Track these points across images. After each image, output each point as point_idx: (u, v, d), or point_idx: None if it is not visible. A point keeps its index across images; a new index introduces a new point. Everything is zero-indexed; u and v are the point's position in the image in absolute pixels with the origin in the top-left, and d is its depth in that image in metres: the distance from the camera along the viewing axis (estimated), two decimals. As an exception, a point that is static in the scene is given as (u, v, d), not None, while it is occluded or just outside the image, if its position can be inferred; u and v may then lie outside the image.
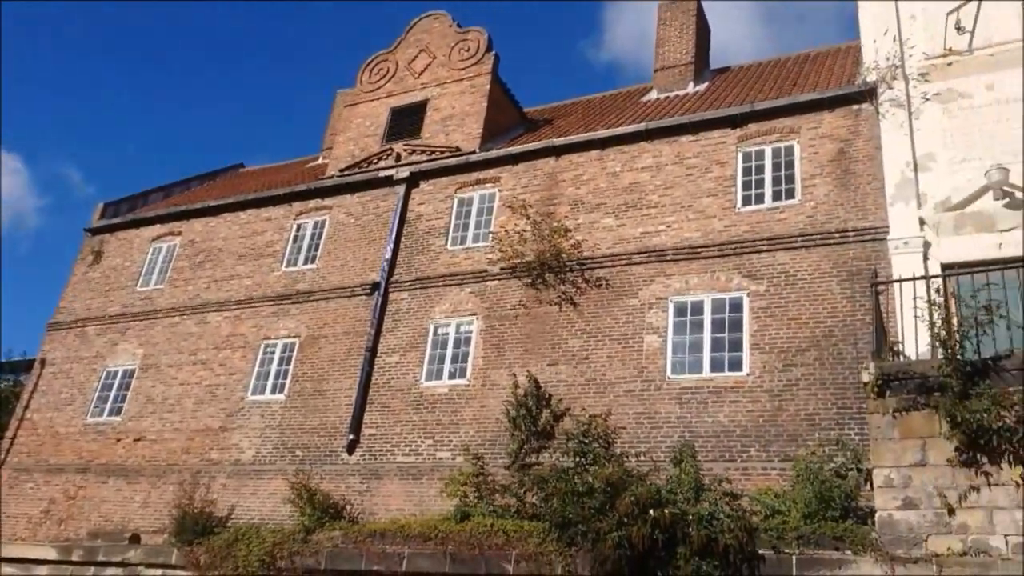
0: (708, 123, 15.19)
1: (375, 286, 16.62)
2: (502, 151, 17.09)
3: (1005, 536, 8.33)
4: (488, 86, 18.50)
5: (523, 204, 15.87)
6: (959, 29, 13.59)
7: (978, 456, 8.71)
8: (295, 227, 18.87)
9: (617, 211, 15.21)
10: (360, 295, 16.78)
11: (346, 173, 18.90)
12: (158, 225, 21.06)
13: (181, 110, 68.21)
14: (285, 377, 16.70)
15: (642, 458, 12.38)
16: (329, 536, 12.20)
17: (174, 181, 24.20)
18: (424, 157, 18.08)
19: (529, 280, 15.12)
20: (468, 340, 15.25)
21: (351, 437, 15.11)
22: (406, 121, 19.14)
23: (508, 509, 12.15)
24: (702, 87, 18.16)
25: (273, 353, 17.18)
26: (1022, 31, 13.05)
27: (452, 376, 15.06)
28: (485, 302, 15.46)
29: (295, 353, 16.89)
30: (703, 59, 19.66)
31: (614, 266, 14.62)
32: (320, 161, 22.75)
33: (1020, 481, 8.40)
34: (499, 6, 59.48)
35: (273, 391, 16.68)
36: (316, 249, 18.20)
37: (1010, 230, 11.86)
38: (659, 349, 13.47)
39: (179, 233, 20.55)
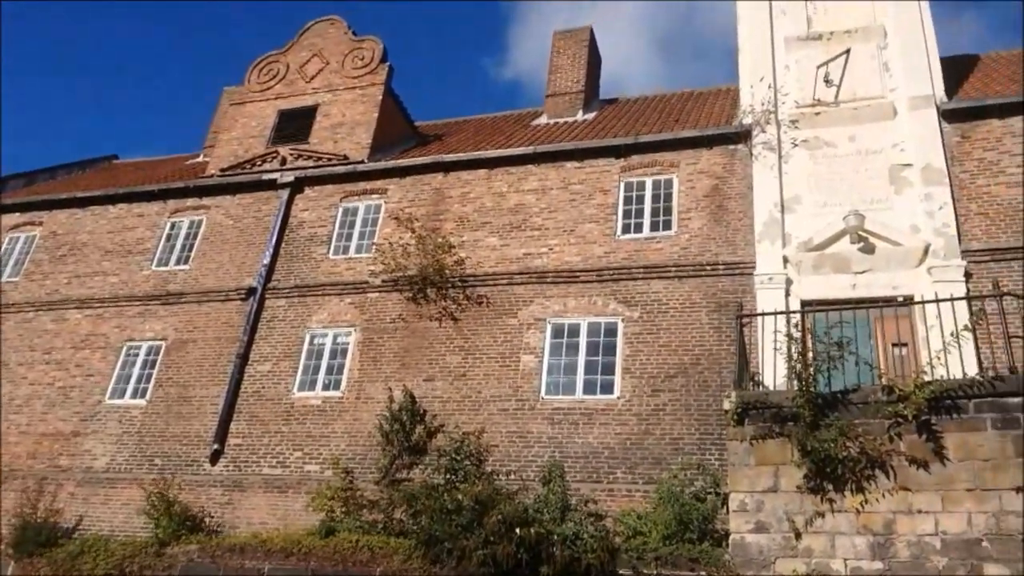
0: (594, 151, 15.61)
1: (251, 291, 16.13)
2: (391, 163, 16.99)
3: (844, 560, 8.85)
4: (380, 96, 18.39)
5: (409, 217, 15.81)
6: (827, 82, 14.54)
7: (824, 484, 9.22)
8: (169, 225, 18.10)
9: (502, 231, 15.37)
10: (235, 300, 16.25)
11: (227, 173, 18.31)
12: (17, 214, 19.74)
13: (54, 96, 64.27)
14: (148, 381, 15.92)
15: (512, 477, 12.53)
16: (185, 550, 11.69)
17: (38, 169, 22.77)
18: (311, 163, 17.75)
19: (410, 294, 15.05)
20: (345, 351, 15.01)
21: (215, 447, 14.55)
22: (294, 125, 18.75)
23: (375, 525, 12.00)
24: (591, 116, 18.65)
25: (136, 355, 16.36)
26: (881, 89, 14.10)
27: (326, 387, 14.76)
28: (364, 314, 15.27)
29: (161, 356, 16.15)
30: (593, 88, 20.21)
31: (496, 285, 14.75)
32: (200, 159, 21.93)
33: (860, 508, 8.96)
34: (401, 15, 59.11)
35: (134, 395, 15.87)
36: (190, 250, 17.51)
37: (863, 272, 12.73)
38: (535, 369, 13.67)
39: (40, 224, 19.33)
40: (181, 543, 11.95)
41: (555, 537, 9.59)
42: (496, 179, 16.09)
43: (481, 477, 11.93)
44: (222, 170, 18.43)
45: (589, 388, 13.31)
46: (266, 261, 16.38)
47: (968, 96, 14.20)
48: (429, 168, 16.63)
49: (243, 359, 15.36)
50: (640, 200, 14.92)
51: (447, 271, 14.94)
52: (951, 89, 14.31)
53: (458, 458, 12.51)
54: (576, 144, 15.96)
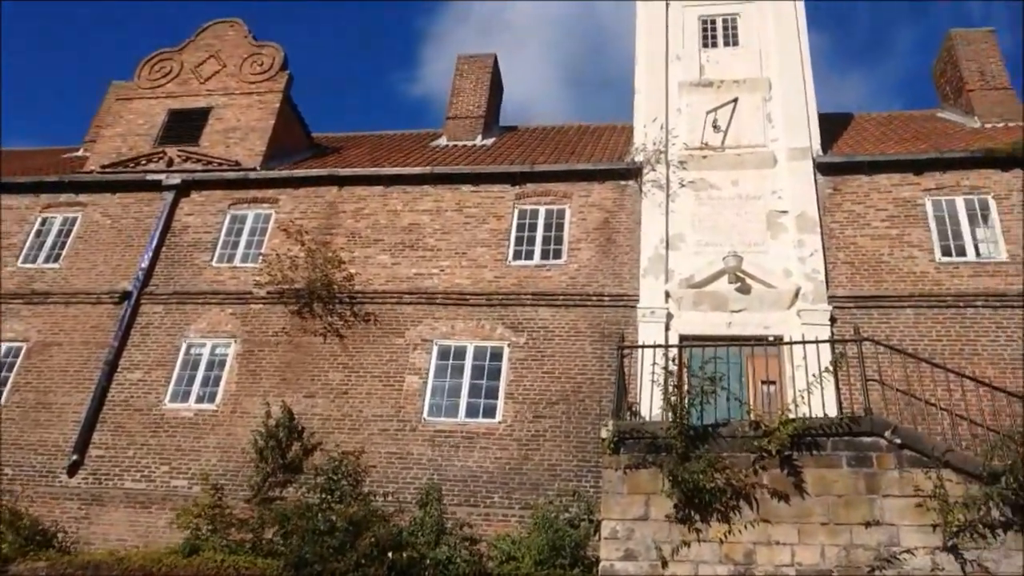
0: (490, 176, 15.77)
1: (125, 295, 15.41)
2: (284, 172, 16.65)
3: (706, 588, 9.16)
4: (278, 104, 18.04)
5: (299, 229, 15.51)
6: (716, 128, 15.22)
7: (692, 513, 9.52)
8: (40, 221, 17.11)
9: (394, 249, 15.29)
10: (107, 303, 15.48)
11: (109, 171, 17.48)
12: None
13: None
14: (4, 385, 14.91)
15: (390, 499, 12.40)
16: (32, 567, 10.98)
17: None
18: (199, 166, 17.17)
19: (296, 308, 14.73)
20: (223, 363, 14.51)
21: (75, 457, 13.75)
22: (185, 126, 18.12)
23: (244, 545, 11.61)
24: (489, 141, 18.84)
25: (-8, 357, 15.31)
26: (764, 139, 14.89)
27: (200, 400, 14.21)
28: (246, 325, 14.83)
29: (20, 359, 15.17)
30: (494, 114, 20.46)
31: (384, 303, 14.63)
32: (80, 153, 20.85)
33: (724, 538, 9.29)
34: (310, 23, 58.09)
35: (-14, 400, 14.83)
36: (62, 248, 16.58)
37: (739, 311, 13.32)
38: (419, 390, 13.59)
39: None
40: (28, 560, 11.20)
41: (428, 561, 9.53)
42: (392, 197, 16.01)
43: (357, 498, 11.75)
44: (103, 167, 17.59)
45: (472, 411, 13.33)
46: (144, 265, 15.70)
47: (841, 152, 15.16)
48: (324, 181, 16.38)
49: (112, 366, 14.62)
50: (533, 228, 15.15)
51: (336, 286, 14.71)
52: (827, 144, 15.24)
53: (335, 478, 12.28)
54: (473, 168, 16.08)
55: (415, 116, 67.82)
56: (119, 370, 14.65)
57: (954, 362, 11.99)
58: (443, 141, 19.13)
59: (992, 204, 13.83)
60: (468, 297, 14.42)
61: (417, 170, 16.12)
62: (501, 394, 13.36)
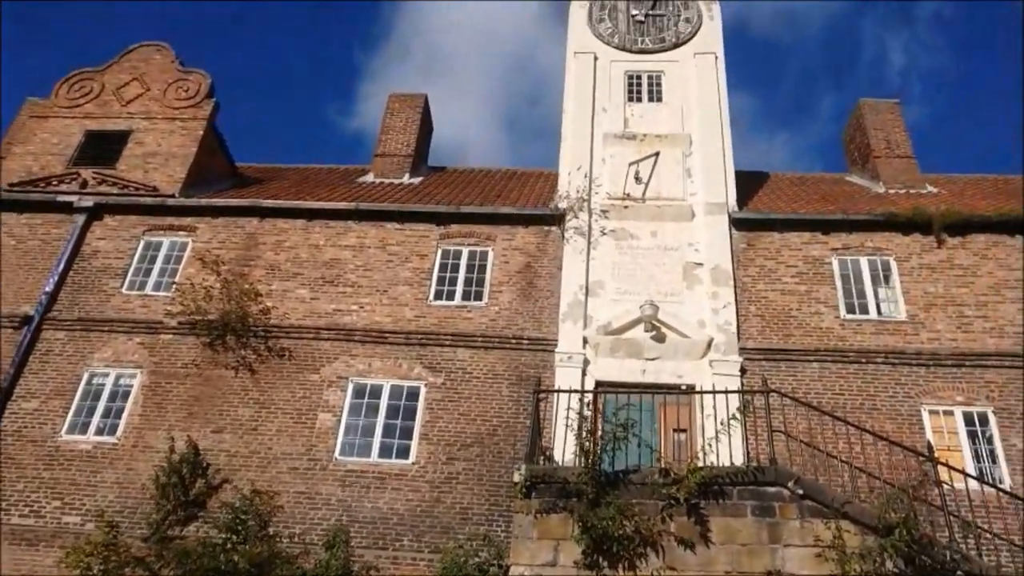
0: (416, 215, 15.78)
1: (26, 319, 14.73)
2: (204, 201, 16.30)
3: (611, 636, 9.16)
4: (202, 132, 17.72)
5: (216, 260, 15.18)
6: (637, 179, 15.62)
7: (600, 560, 9.55)
8: (-63, 238, 16.28)
9: (313, 284, 15.08)
10: (6, 327, 14.75)
11: (16, 189, 16.80)
12: None
13: None
14: None
15: (296, 540, 12.06)
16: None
17: None
18: (115, 190, 16.67)
19: (208, 340, 14.33)
20: (127, 394, 13.97)
21: (-42, 490, 12.96)
22: (102, 148, 17.58)
23: (138, 585, 11.08)
24: (417, 180, 18.88)
25: None
26: (683, 192, 15.36)
27: (100, 432, 13.62)
28: (154, 356, 14.34)
29: (-95, 384, 14.28)
30: (422, 154, 20.56)
31: (301, 338, 14.38)
32: (-12, 170, 19.96)
33: (630, 586, 9.34)
34: (244, 49, 57.41)
35: None
36: (-41, 267, 15.78)
37: (653, 359, 13.57)
38: (332, 428, 13.34)
39: None
40: None
41: (331, 606, 9.27)
42: (314, 231, 15.84)
43: (263, 539, 11.39)
44: (11, 185, 16.89)
45: (385, 452, 13.14)
46: (48, 288, 15.07)
47: (756, 209, 15.73)
48: (245, 211, 16.10)
49: (6, 394, 13.90)
50: (455, 268, 15.18)
51: (251, 319, 14.40)
52: (742, 200, 15.80)
53: (241, 517, 11.87)
54: (399, 206, 16.07)
55: (350, 150, 67.42)
56: (13, 398, 13.94)
57: (855, 416, 12.45)
58: (370, 178, 19.08)
59: (893, 265, 14.53)
60: (387, 335, 14.30)
61: (342, 205, 16.01)
62: (416, 435, 13.22)
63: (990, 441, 12.60)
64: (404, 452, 13.08)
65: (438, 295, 14.85)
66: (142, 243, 15.92)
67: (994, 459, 12.44)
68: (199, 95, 18.30)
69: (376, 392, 13.75)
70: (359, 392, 13.78)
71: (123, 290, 15.26)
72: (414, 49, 66.14)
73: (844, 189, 18.03)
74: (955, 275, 14.26)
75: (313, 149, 60.96)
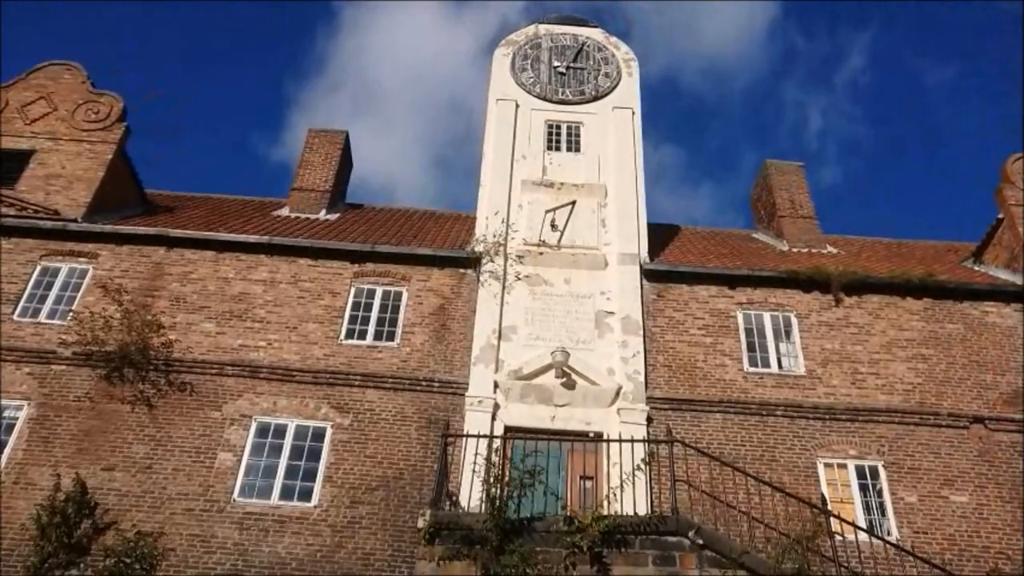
0: (330, 252, 15.58)
1: (-96, 345, 13.82)
2: (108, 227, 15.72)
3: None
4: (110, 156, 17.17)
5: (119, 288, 14.63)
6: (553, 227, 15.86)
7: (502, 608, 9.48)
8: None
9: (220, 318, 14.67)
10: None
11: (-97, 205, 15.87)
12: None
13: None
14: None
15: (187, 585, 11.52)
16: None
17: None
18: (13, 211, 15.92)
19: (104, 372, 13.73)
20: (11, 428, 13.19)
21: None
22: (2, 167, 16.81)
23: (9, 634, 10.36)
24: (333, 216, 18.71)
25: None
26: (597, 241, 15.68)
27: (-22, 467, 12.80)
28: (44, 387, 13.63)
29: None
30: (340, 190, 20.44)
31: (204, 374, 13.92)
32: None
33: (528, 637, 9.28)
34: (171, 71, 55.87)
35: None
36: None
37: (563, 406, 13.67)
38: (231, 468, 12.90)
39: None
40: None
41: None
42: (224, 263, 15.45)
43: (149, 584, 10.84)
44: (-103, 201, 15.95)
45: (287, 494, 12.76)
46: (-69, 313, 14.21)
47: (666, 261, 16.15)
48: (151, 240, 15.59)
49: None
50: (368, 308, 15.03)
51: (152, 352, 13.89)
52: (654, 252, 16.21)
53: (127, 561, 11.29)
54: (313, 242, 15.84)
55: (277, 180, 66.33)
56: None
57: (755, 467, 12.79)
58: (285, 211, 18.81)
59: (794, 321, 15.11)
60: (295, 373, 13.99)
61: (254, 238, 15.69)
62: (320, 477, 12.90)
63: (880, 494, 13.11)
64: (307, 495, 12.74)
65: (350, 334, 14.65)
66: (38, 268, 15.22)
67: (883, 511, 12.94)
68: (110, 118, 17.76)
69: (280, 432, 13.39)
70: (262, 431, 13.39)
71: (15, 316, 14.50)
72: (347, 83, 66.04)
73: (750, 246, 18.73)
74: (851, 333, 14.92)
75: (237, 179, 59.73)
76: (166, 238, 15.58)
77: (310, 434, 13.38)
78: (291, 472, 12.97)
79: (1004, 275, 16.48)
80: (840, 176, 60.96)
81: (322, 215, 18.70)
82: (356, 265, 15.49)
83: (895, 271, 16.00)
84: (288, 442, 13.27)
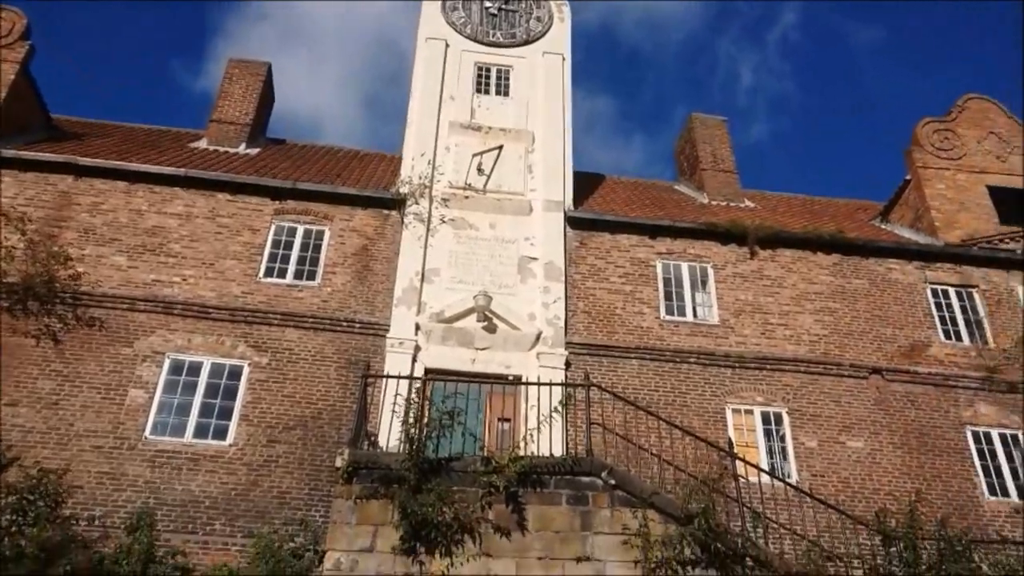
0: (250, 187, 15.15)
1: None
2: (10, 152, 14.85)
3: (423, 621, 9.26)
4: (13, 76, 16.13)
5: (22, 217, 13.93)
6: (480, 171, 15.78)
7: (418, 546, 9.62)
8: None
9: (132, 251, 14.16)
10: None
11: None
12: None
13: None
14: None
15: (97, 523, 11.31)
16: None
17: None
18: (-98, 131, 14.91)
19: (7, 304, 13.14)
20: (-96, 360, 12.56)
21: None
22: None
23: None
24: (254, 151, 18.14)
25: None
26: (523, 187, 15.68)
27: None
28: (-60, 319, 12.98)
29: None
30: (262, 125, 19.80)
31: (114, 308, 13.47)
32: None
33: (445, 572, 9.47)
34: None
35: None
36: None
37: (484, 349, 13.78)
38: (143, 406, 12.60)
39: None
40: None
41: (130, 591, 8.79)
42: (137, 195, 14.86)
43: (55, 522, 10.56)
44: None
45: (201, 432, 12.58)
46: None
47: (590, 209, 16.30)
48: (59, 167, 14.83)
49: None
50: (289, 246, 14.73)
51: (58, 285, 13.34)
52: (579, 200, 16.33)
53: (30, 498, 10.94)
54: (232, 176, 15.36)
55: (199, 111, 63.46)
56: None
57: (667, 412, 13.21)
58: (203, 144, 18.14)
59: (711, 272, 15.52)
60: (211, 311, 13.67)
61: (169, 170, 15.10)
62: (235, 415, 12.74)
63: (783, 439, 13.76)
64: (222, 433, 12.58)
65: (269, 272, 14.36)
66: (-67, 193, 14.35)
67: (785, 455, 13.60)
68: (12, 36, 16.64)
69: (195, 369, 13.13)
70: (176, 369, 13.09)
71: (-94, 243, 13.69)
72: (274, 12, 63.39)
73: (672, 197, 19.04)
74: (763, 285, 15.43)
75: (155, 109, 56.86)
76: (74, 166, 14.85)
77: (226, 372, 13.16)
78: (206, 410, 12.77)
79: (908, 234, 17.26)
80: (767, 133, 62.31)
81: (242, 149, 18.11)
82: (277, 202, 15.12)
83: (808, 227, 16.56)
84: (203, 380, 13.03)
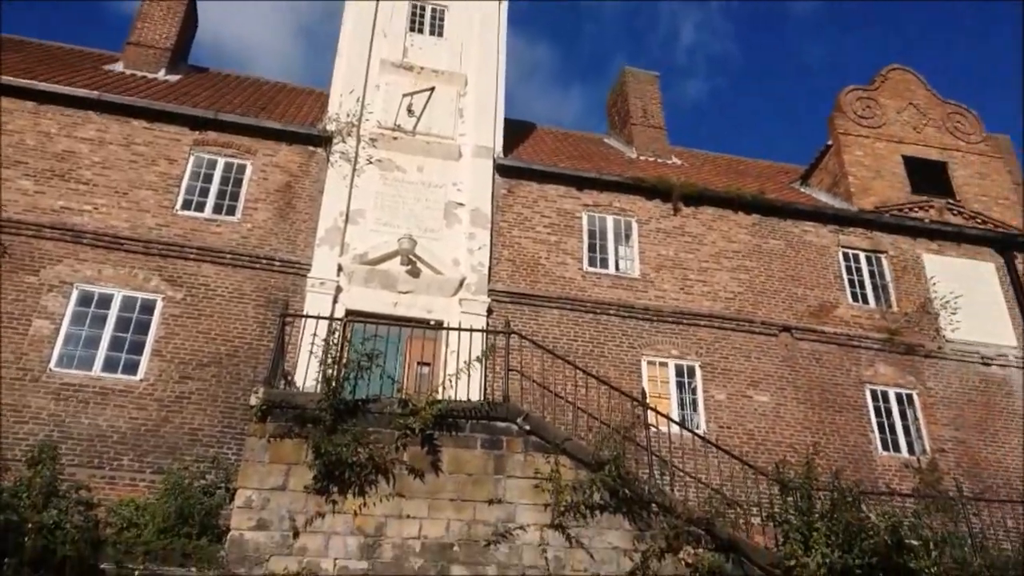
0: (168, 116, 14.58)
1: None
2: (-95, 63, 13.92)
3: (335, 559, 9.28)
4: (-93, -20, 15.02)
5: (-83, 134, 13.11)
6: (410, 112, 15.51)
7: (331, 486, 9.61)
8: None
9: (40, 175, 13.50)
10: None
11: None
12: None
13: None
14: None
15: (-5, 456, 10.95)
16: None
17: None
18: None
19: (-100, 225, 12.42)
20: None
21: None
22: None
23: None
24: (174, 78, 17.38)
25: None
26: (453, 131, 15.49)
27: None
28: None
29: None
30: (183, 50, 18.96)
31: (19, 235, 12.88)
32: None
33: (358, 511, 9.52)
34: None
35: None
36: None
37: (406, 293, 13.74)
38: (48, 337, 12.17)
39: None
40: None
41: (30, 526, 8.56)
42: (45, 116, 14.12)
43: (-49, 453, 10.22)
44: None
45: (111, 365, 12.24)
46: None
47: (520, 157, 16.25)
48: (-42, 83, 13.97)
49: None
50: (208, 179, 14.28)
51: (-43, 207, 12.66)
52: (509, 147, 16.25)
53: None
54: (150, 103, 14.72)
55: (116, 35, 60.19)
56: None
57: (584, 361, 13.45)
58: (119, 67, 17.27)
59: (635, 226, 15.73)
60: (123, 242, 13.20)
61: (82, 92, 14.37)
62: (147, 350, 12.44)
63: (694, 391, 14.21)
64: (132, 368, 12.27)
65: (187, 205, 13.91)
66: None
67: (695, 408, 14.06)
68: (-93, -65, 15.44)
69: (105, 302, 12.71)
70: (85, 300, 12.66)
71: None
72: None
73: (601, 150, 19.11)
74: (685, 241, 15.73)
75: (69, 28, 53.64)
76: (-24, 82, 14.00)
77: (138, 306, 12.80)
78: (116, 344, 12.42)
79: (825, 198, 17.78)
80: (705, 91, 62.82)
81: (161, 75, 17.32)
82: (197, 132, 14.59)
83: (731, 187, 16.89)
84: (114, 313, 12.65)
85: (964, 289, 16.32)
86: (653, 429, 11.32)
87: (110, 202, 13.54)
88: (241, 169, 14.48)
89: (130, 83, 16.15)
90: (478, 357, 10.79)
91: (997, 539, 10.89)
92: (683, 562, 9.59)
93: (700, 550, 9.62)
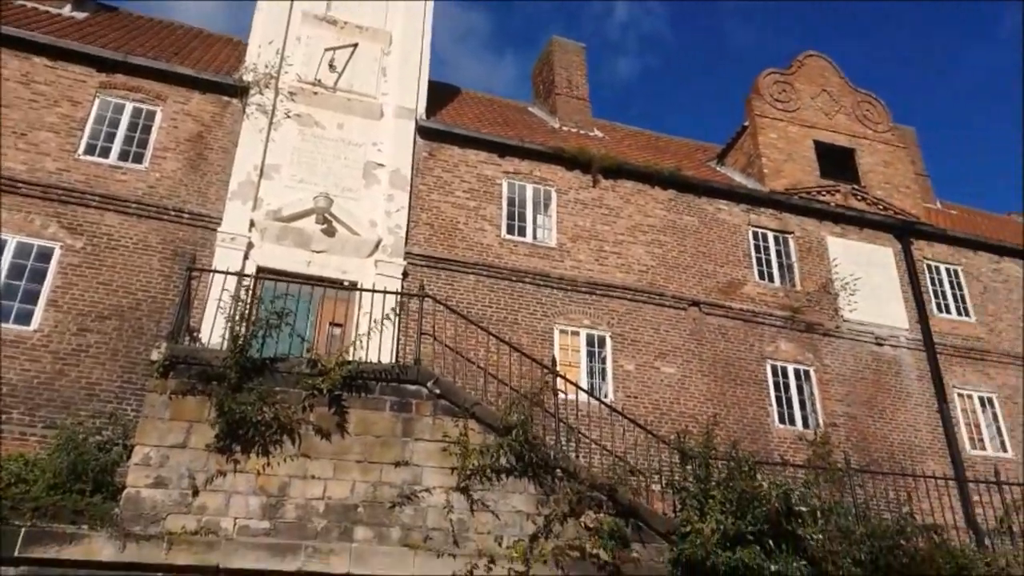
0: (73, 55, 13.84)
1: None
2: None
3: (235, 518, 9.15)
4: None
5: None
6: (332, 67, 15.13)
7: (233, 445, 9.43)
8: None
9: (-73, 110, 12.67)
10: None
11: None
12: None
13: None
14: None
15: None
16: None
17: None
18: None
19: None
20: None
21: None
22: None
23: None
24: (81, 15, 16.45)
25: None
26: (375, 90, 15.21)
27: None
28: None
29: None
30: (91, -14, 17.93)
31: (-97, 172, 12.08)
32: None
33: (261, 471, 9.39)
34: None
35: None
36: None
37: (321, 252, 13.51)
38: (-66, 282, 11.51)
39: None
40: None
41: (-93, 480, 8.16)
42: (-65, 47, 13.22)
43: None
44: None
45: (2, 315, 11.66)
46: None
47: (442, 120, 16.08)
48: None
49: None
50: (115, 124, 13.66)
51: None
52: (431, 110, 16.06)
53: None
54: (53, 40, 13.93)
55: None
56: None
57: (498, 328, 13.52)
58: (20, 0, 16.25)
59: (554, 196, 15.82)
60: (20, 185, 12.54)
61: (-24, 24, 13.48)
62: (43, 300, 11.90)
63: (604, 361, 14.48)
64: (26, 318, 11.74)
65: (90, 150, 13.29)
66: None
67: (604, 376, 14.34)
68: None
69: (-3, 248, 12.09)
70: (-25, 245, 12.01)
71: None
72: None
73: (525, 118, 19.08)
74: (602, 213, 15.92)
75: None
76: None
77: (34, 253, 12.22)
78: (9, 292, 11.84)
79: (739, 178, 18.24)
80: (636, 68, 63.22)
81: (66, 11, 16.36)
82: (104, 75, 13.91)
83: (650, 162, 17.14)
84: (6, 259, 12.04)
85: (863, 272, 17.07)
86: (562, 396, 11.51)
87: (6, 143, 12.81)
88: (150, 116, 13.90)
89: (32, 17, 15.22)
90: (387, 315, 10.71)
91: (879, 509, 11.50)
92: (584, 525, 9.82)
93: (601, 514, 9.86)
